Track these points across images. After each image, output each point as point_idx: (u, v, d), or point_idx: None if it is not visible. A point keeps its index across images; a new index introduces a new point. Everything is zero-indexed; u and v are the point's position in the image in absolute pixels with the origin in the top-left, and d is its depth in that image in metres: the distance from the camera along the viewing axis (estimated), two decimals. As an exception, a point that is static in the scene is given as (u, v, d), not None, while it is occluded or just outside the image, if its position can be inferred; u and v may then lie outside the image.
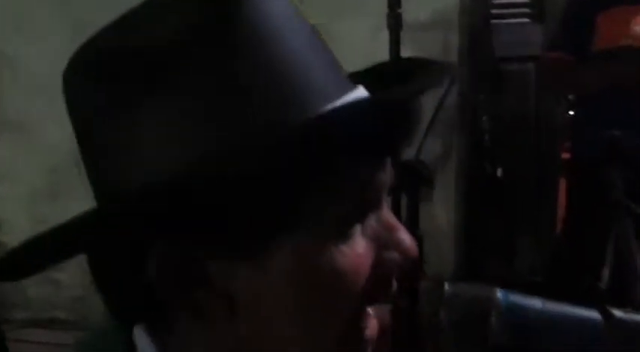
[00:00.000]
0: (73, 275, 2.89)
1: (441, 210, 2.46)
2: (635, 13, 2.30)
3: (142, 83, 0.49)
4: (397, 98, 0.52)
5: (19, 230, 2.83)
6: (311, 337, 0.53)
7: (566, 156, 2.84)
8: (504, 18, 3.02)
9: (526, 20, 3.06)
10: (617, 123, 2.02)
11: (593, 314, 0.59)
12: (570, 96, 2.82)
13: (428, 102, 1.55)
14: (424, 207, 2.56)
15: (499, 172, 2.33)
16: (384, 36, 1.82)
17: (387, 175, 0.53)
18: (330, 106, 0.49)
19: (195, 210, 0.47)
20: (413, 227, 1.38)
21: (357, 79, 0.56)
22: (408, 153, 1.50)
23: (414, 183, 1.40)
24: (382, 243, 0.53)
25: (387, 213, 0.54)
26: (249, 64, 0.49)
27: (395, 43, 1.49)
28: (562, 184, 2.88)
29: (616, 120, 2.11)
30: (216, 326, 0.52)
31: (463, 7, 2.84)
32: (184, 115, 0.48)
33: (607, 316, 0.58)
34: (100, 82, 0.50)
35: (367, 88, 0.55)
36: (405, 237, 0.54)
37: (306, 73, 0.50)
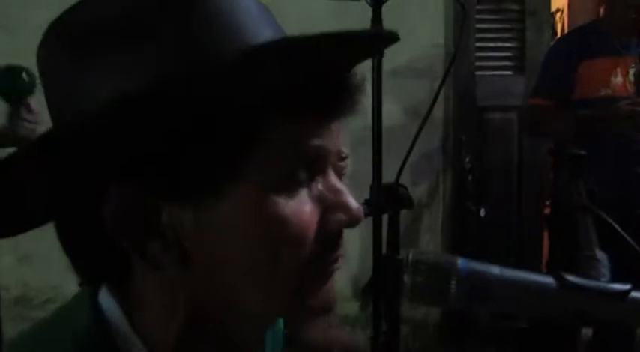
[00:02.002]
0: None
1: (427, 248, 2.49)
2: (615, 64, 2.38)
3: (100, 35, 0.52)
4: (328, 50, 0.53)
5: None
6: (262, 288, 0.55)
7: (547, 211, 2.90)
8: (488, 70, 3.13)
9: (509, 73, 3.17)
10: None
11: (548, 279, 0.62)
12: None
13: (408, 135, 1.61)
14: (411, 244, 2.59)
15: (482, 212, 2.38)
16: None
17: (330, 140, 0.56)
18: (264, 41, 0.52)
19: (140, 149, 0.50)
20: (393, 250, 1.42)
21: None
22: (390, 179, 1.55)
23: (394, 206, 1.45)
24: (328, 204, 0.56)
25: (333, 179, 0.57)
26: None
27: (377, 89, 1.56)
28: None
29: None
30: (170, 277, 0.54)
31: (448, 56, 2.95)
32: (133, 53, 0.51)
33: (560, 280, 0.62)
34: (65, 43, 0.53)
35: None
36: (350, 200, 0.57)
37: (244, 10, 0.53)
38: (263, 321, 0.62)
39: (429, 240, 2.62)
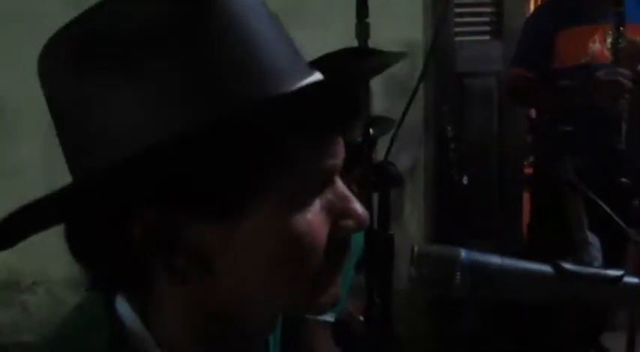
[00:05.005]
0: (41, 298, 2.90)
1: (411, 218, 2.54)
2: (593, 32, 2.40)
3: (114, 64, 0.53)
4: (344, 83, 0.59)
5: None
6: (279, 291, 0.59)
7: (529, 171, 2.96)
8: (466, 35, 3.15)
9: (487, 38, 3.19)
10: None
11: (546, 268, 0.66)
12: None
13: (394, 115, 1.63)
14: (395, 214, 2.64)
15: (465, 180, 2.43)
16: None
17: (338, 154, 0.60)
18: (288, 87, 0.55)
19: (170, 180, 0.53)
20: (384, 227, 1.45)
21: (315, 64, 0.62)
22: (378, 157, 1.58)
23: (384, 184, 1.48)
24: (338, 212, 0.60)
25: (341, 187, 0.62)
26: (215, 46, 0.53)
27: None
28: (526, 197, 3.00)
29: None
30: (191, 287, 0.58)
31: (427, 25, 2.96)
32: (154, 92, 0.53)
33: (558, 269, 0.66)
34: (76, 66, 0.54)
35: (322, 71, 0.61)
36: (357, 206, 0.61)
37: (269, 55, 0.55)
38: (277, 315, 0.67)
39: (412, 209, 2.67)
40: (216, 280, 0.58)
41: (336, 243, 0.60)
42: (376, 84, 2.58)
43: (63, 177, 0.56)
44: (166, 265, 0.56)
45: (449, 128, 2.40)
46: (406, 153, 2.66)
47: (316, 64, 0.63)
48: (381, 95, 2.61)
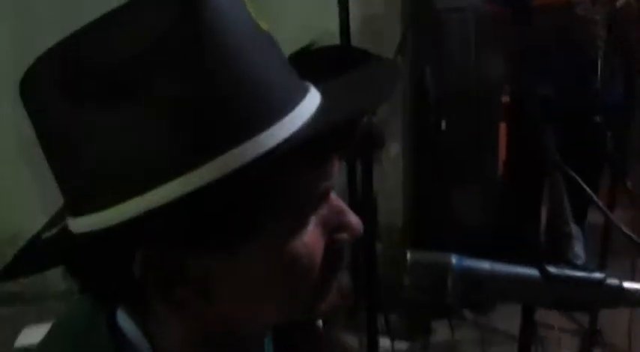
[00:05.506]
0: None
1: (390, 163, 2.56)
2: None
3: (108, 98, 0.51)
4: (344, 120, 0.58)
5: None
6: (278, 306, 0.62)
7: (505, 99, 2.98)
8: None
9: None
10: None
11: (533, 272, 0.69)
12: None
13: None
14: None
15: (443, 124, 2.45)
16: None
17: (335, 175, 0.61)
18: (288, 124, 0.55)
19: (176, 225, 0.54)
20: (367, 188, 1.47)
21: (307, 62, 0.62)
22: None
23: (367, 145, 1.49)
24: (333, 226, 0.62)
25: (335, 200, 0.63)
26: (213, 82, 0.52)
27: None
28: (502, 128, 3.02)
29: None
30: (190, 312, 0.59)
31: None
32: (152, 130, 0.51)
33: (544, 273, 0.69)
34: (67, 97, 0.52)
35: (315, 76, 0.61)
36: (351, 218, 0.63)
37: (267, 88, 0.55)
38: (273, 326, 0.70)
39: (392, 156, 2.68)
40: (215, 305, 0.59)
41: (331, 255, 0.62)
42: (354, 23, 2.53)
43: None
44: (165, 296, 0.58)
45: (427, 70, 2.39)
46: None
47: (308, 67, 0.62)
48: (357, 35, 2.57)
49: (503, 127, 3.03)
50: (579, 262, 0.73)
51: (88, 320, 0.65)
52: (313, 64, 0.65)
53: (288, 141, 0.54)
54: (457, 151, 2.62)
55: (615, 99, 2.50)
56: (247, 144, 0.52)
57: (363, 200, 1.46)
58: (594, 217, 2.25)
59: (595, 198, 0.92)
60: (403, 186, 2.82)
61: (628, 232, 0.84)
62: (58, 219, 0.61)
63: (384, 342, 2.14)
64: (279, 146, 0.53)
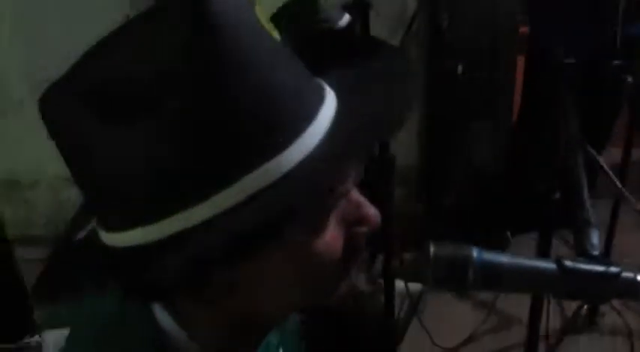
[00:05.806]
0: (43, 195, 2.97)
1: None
2: None
3: (135, 114, 0.52)
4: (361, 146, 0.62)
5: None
6: (301, 296, 0.66)
7: (523, 30, 2.90)
8: None
9: None
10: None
11: (550, 265, 0.72)
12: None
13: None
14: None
15: (459, 69, 2.42)
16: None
17: (357, 175, 0.64)
18: (308, 139, 0.57)
19: (203, 244, 0.55)
20: (384, 151, 1.49)
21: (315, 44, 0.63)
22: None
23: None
24: (352, 220, 0.65)
25: (354, 194, 0.65)
26: (237, 99, 0.53)
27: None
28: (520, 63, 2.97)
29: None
30: (215, 307, 0.63)
31: None
32: (178, 151, 0.53)
33: (560, 266, 0.72)
34: (96, 111, 0.53)
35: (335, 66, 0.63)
36: (369, 211, 0.66)
37: (288, 100, 0.56)
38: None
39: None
40: (241, 300, 0.63)
41: (351, 246, 0.65)
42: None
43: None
44: (194, 297, 0.61)
45: (444, 16, 2.35)
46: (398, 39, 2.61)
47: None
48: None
49: (520, 62, 2.98)
50: (595, 253, 0.76)
51: (125, 314, 0.67)
52: (320, 48, 0.66)
53: (311, 159, 0.56)
54: (472, 96, 2.60)
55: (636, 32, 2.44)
56: (269, 164, 0.55)
57: (380, 156, 1.47)
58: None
59: (614, 177, 0.93)
60: (419, 129, 2.83)
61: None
62: (80, 221, 0.64)
63: (399, 284, 2.20)
64: (302, 164, 0.55)
